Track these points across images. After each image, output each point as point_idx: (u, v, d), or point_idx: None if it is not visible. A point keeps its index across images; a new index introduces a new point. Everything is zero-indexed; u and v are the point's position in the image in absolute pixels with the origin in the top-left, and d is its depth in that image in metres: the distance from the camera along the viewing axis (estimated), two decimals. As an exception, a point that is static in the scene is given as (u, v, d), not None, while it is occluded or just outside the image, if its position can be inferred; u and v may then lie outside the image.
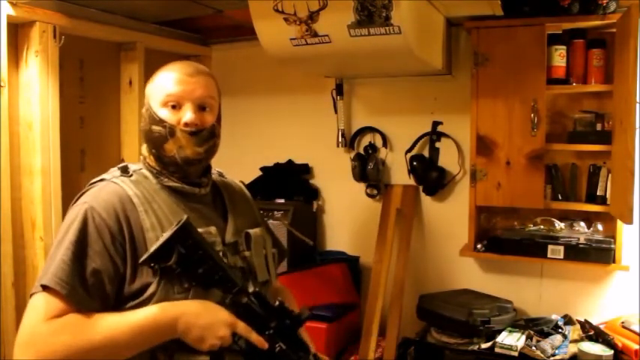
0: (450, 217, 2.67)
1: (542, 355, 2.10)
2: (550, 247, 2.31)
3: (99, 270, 1.06)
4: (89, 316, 1.04)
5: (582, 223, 2.39)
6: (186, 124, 1.16)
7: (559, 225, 2.39)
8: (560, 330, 2.27)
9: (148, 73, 1.26)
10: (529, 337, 2.22)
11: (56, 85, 2.22)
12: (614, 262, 2.25)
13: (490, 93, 2.34)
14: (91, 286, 1.05)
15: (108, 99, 2.67)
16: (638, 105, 1.96)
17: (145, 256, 1.07)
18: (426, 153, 2.70)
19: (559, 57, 2.30)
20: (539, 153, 2.28)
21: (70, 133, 2.43)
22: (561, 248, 2.29)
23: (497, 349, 2.16)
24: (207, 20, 2.79)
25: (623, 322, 2.21)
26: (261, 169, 3.02)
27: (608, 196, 2.29)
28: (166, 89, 1.17)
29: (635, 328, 2.14)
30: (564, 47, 2.30)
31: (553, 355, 2.12)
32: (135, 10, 2.54)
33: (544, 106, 2.27)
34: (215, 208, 1.27)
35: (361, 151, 2.83)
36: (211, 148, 1.21)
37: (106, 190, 1.13)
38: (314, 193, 2.94)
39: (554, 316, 2.40)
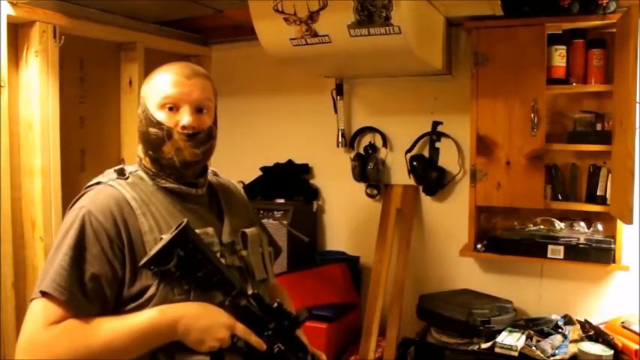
0: (450, 217, 2.67)
1: (542, 355, 2.10)
2: (550, 247, 2.31)
3: (97, 275, 1.06)
4: (89, 321, 1.04)
5: (582, 223, 2.39)
6: (183, 127, 1.16)
7: (559, 225, 2.39)
8: (560, 330, 2.27)
9: (148, 73, 1.26)
10: (529, 337, 2.22)
11: (56, 85, 2.22)
12: (614, 262, 2.25)
13: (490, 93, 2.34)
14: (89, 290, 1.05)
15: (108, 99, 2.67)
16: (638, 105, 1.96)
17: (144, 260, 1.07)
18: (426, 153, 2.69)
19: (559, 57, 2.30)
20: (539, 153, 2.28)
21: (70, 133, 2.43)
22: (561, 248, 2.29)
23: (497, 349, 2.16)
24: (207, 20, 2.79)
25: (623, 322, 2.21)
26: (261, 169, 3.02)
27: (608, 196, 2.29)
28: (163, 91, 1.17)
29: (635, 328, 2.14)
30: (564, 47, 2.30)
31: (553, 355, 2.11)
32: (135, 10, 2.54)
33: (544, 106, 2.27)
34: (211, 209, 1.27)
35: (361, 151, 2.83)
36: (208, 150, 1.22)
37: (103, 194, 1.13)
38: (314, 193, 2.94)
39: (554, 316, 2.40)
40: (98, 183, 1.16)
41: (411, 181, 2.72)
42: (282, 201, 2.85)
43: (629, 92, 1.93)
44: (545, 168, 2.31)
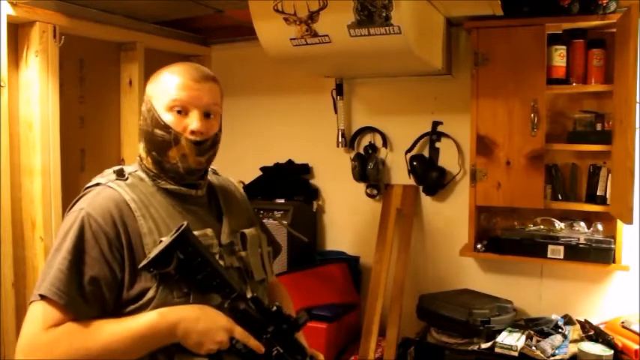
0: (450, 217, 2.67)
1: (542, 355, 2.10)
2: (550, 247, 2.31)
3: (97, 277, 1.06)
4: (88, 324, 1.04)
5: (582, 223, 2.38)
6: (192, 132, 1.15)
7: (559, 225, 2.39)
8: (560, 330, 2.27)
9: (148, 73, 1.26)
10: (529, 337, 2.22)
11: (56, 85, 2.22)
12: (614, 262, 2.25)
13: (490, 93, 2.34)
14: (88, 293, 1.05)
15: (108, 99, 2.67)
16: (638, 105, 1.96)
17: (144, 262, 1.07)
18: (426, 153, 2.69)
19: (559, 57, 2.30)
20: (539, 153, 2.28)
21: (70, 133, 2.43)
22: (561, 248, 2.29)
23: (497, 349, 2.16)
24: (207, 20, 2.79)
25: (623, 322, 2.20)
26: (262, 169, 3.02)
27: (608, 196, 2.29)
28: (172, 94, 1.16)
29: (635, 328, 2.14)
30: (564, 47, 2.30)
31: (553, 355, 2.12)
32: (135, 10, 2.54)
33: (544, 106, 2.27)
34: (210, 209, 1.27)
35: (361, 151, 2.83)
36: (212, 156, 1.22)
37: (103, 196, 1.12)
38: (314, 193, 2.94)
39: (554, 316, 2.40)
40: (97, 184, 1.16)
41: (411, 181, 2.72)
42: (282, 201, 2.84)
43: (629, 92, 1.93)
44: (545, 168, 2.31)
